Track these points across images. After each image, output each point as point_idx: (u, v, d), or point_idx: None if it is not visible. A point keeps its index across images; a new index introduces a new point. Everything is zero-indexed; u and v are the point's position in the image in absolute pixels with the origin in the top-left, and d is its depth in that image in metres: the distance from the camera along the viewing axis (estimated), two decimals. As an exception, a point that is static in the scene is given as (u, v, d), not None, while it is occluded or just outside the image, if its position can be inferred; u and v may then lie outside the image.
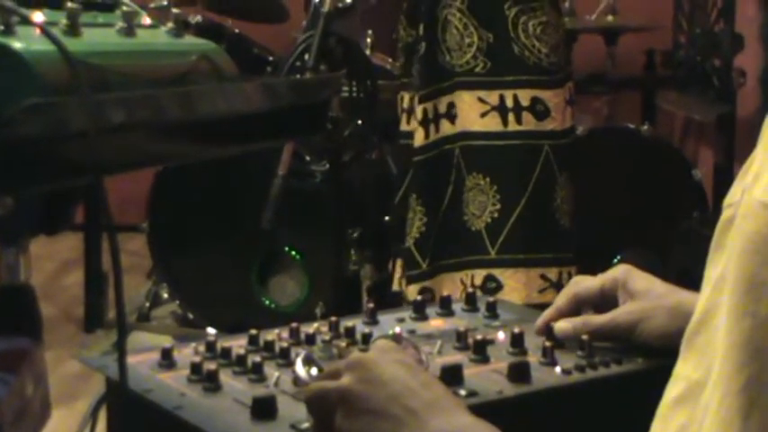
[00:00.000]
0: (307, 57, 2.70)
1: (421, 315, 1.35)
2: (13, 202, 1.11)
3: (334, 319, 1.28)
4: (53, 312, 3.81)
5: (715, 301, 0.63)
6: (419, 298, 1.44)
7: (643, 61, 4.30)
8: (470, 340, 1.21)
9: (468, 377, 1.11)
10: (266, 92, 1.31)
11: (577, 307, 1.26)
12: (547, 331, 1.24)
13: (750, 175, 0.62)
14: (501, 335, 1.26)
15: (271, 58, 3.70)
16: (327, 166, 3.05)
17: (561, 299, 1.27)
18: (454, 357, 1.18)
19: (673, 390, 0.65)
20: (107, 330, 3.65)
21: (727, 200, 0.65)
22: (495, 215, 2.37)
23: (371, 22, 3.60)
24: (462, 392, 1.07)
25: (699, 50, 3.85)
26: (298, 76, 2.77)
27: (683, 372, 0.65)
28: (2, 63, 0.89)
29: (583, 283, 1.27)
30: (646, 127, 3.55)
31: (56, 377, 2.98)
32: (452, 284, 2.44)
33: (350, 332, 1.25)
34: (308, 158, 3.26)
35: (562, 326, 1.23)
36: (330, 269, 2.84)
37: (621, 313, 1.21)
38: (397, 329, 1.26)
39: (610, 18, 4.07)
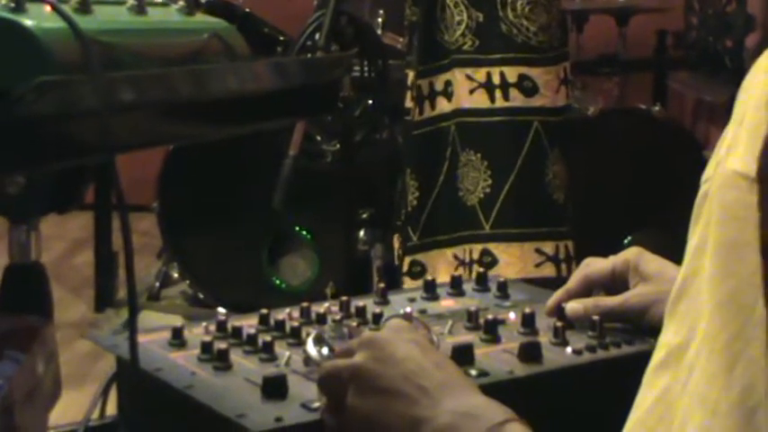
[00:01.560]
0: (318, 36, 2.70)
1: (432, 295, 1.35)
2: (25, 180, 1.11)
3: (344, 298, 1.28)
4: (63, 292, 3.82)
5: (694, 268, 0.64)
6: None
7: (654, 42, 4.29)
8: (481, 320, 1.21)
9: (479, 357, 1.11)
10: (277, 71, 1.31)
11: (588, 288, 1.26)
12: (558, 312, 1.24)
13: (723, 149, 0.63)
14: (512, 315, 1.26)
15: (281, 38, 3.70)
16: (338, 146, 3.04)
17: (572, 280, 1.27)
18: (465, 337, 1.18)
19: (655, 357, 0.66)
20: (117, 310, 3.66)
21: (704, 177, 0.66)
22: (488, 190, 2.40)
23: (383, 1, 3.59)
24: (473, 372, 1.07)
25: (710, 31, 3.83)
26: (309, 55, 2.76)
27: (665, 339, 0.66)
28: (13, 40, 0.88)
29: (594, 265, 1.27)
30: (657, 108, 3.53)
31: (66, 356, 2.99)
32: (444, 260, 2.47)
33: (360, 312, 1.25)
34: (318, 138, 3.25)
35: (574, 306, 1.23)
36: (340, 249, 2.84)
37: (633, 296, 1.21)
38: (408, 309, 1.26)
39: (621, -2, 4.05)
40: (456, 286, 1.38)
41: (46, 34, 0.89)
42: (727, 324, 0.61)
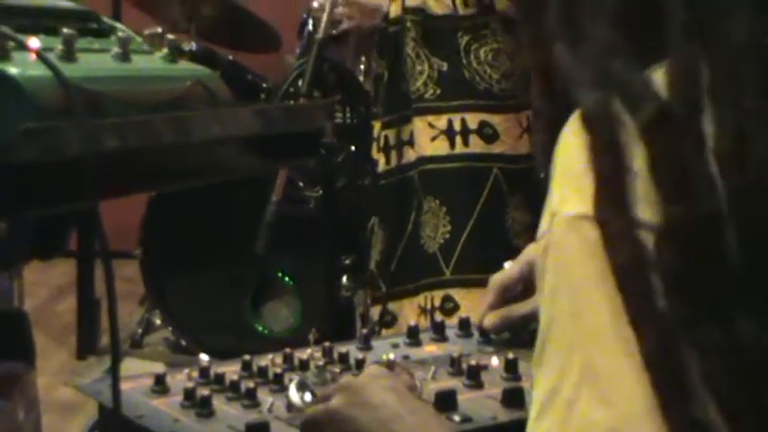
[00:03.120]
0: (300, 83, 2.72)
1: (415, 340, 1.35)
2: (7, 227, 1.11)
3: (327, 344, 1.28)
4: (45, 339, 3.80)
5: (551, 314, 0.66)
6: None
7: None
8: (464, 366, 1.21)
9: (463, 402, 1.11)
10: (260, 117, 1.32)
11: (505, 297, 1.27)
12: (480, 330, 1.25)
13: (554, 204, 0.66)
14: (495, 360, 1.26)
15: (265, 85, 3.72)
16: (321, 192, 3.05)
17: (489, 293, 1.28)
18: (448, 383, 1.18)
19: (532, 412, 0.67)
20: (99, 357, 3.64)
21: (540, 233, 0.68)
22: (447, 236, 2.41)
23: (365, 48, 3.62)
24: (456, 418, 1.07)
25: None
26: (291, 102, 2.78)
27: (538, 390, 0.67)
28: (-2, 88, 0.89)
29: (505, 272, 1.28)
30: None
31: (48, 404, 2.97)
32: (411, 310, 2.48)
33: (344, 358, 1.25)
34: (301, 184, 3.26)
35: (490, 319, 1.24)
36: (323, 295, 2.84)
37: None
38: (391, 355, 1.26)
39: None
40: (439, 331, 1.38)
41: (31, 82, 0.90)
42: (601, 353, 0.62)
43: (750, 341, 0.57)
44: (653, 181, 0.60)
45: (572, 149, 0.65)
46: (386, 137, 2.55)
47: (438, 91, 2.44)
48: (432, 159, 2.45)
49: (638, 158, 0.60)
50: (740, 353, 0.58)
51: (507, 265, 1.33)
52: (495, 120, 2.42)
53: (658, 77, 0.63)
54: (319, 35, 2.73)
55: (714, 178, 0.58)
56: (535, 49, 0.75)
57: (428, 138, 2.44)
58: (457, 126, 2.42)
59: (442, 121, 2.43)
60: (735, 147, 0.58)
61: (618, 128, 0.61)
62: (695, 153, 0.59)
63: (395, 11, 2.51)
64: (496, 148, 2.43)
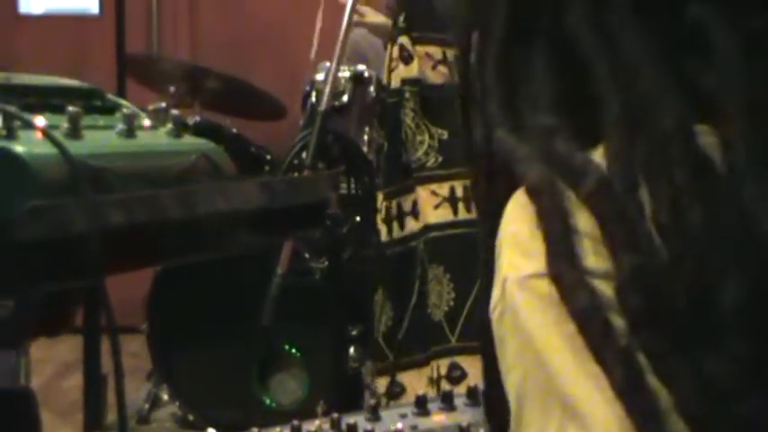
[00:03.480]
0: (304, 155, 2.73)
1: (423, 410, 1.34)
2: (14, 304, 1.11)
3: (335, 416, 1.27)
4: (52, 416, 3.78)
5: (524, 372, 0.67)
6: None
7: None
8: (473, 435, 1.20)
9: (472, 473, 1.10)
10: (265, 190, 1.32)
11: None
12: None
13: (503, 271, 0.70)
14: (504, 429, 1.25)
15: (269, 157, 3.74)
16: (326, 263, 3.05)
17: None
18: (457, 453, 1.17)
19: None
20: (106, 434, 3.62)
21: (492, 306, 0.72)
22: (452, 303, 2.41)
23: (367, 119, 3.64)
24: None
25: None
26: (296, 174, 2.79)
27: None
28: (4, 167, 0.90)
29: None
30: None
31: (54, 482, 2.95)
32: (419, 381, 2.47)
33: (352, 429, 1.24)
34: (307, 256, 3.26)
35: None
36: (331, 367, 2.82)
37: None
38: (399, 425, 1.25)
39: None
40: (447, 401, 1.37)
41: (36, 160, 0.91)
42: (575, 390, 0.64)
43: (714, 372, 0.61)
44: (604, 235, 0.64)
45: (517, 220, 0.69)
46: (387, 207, 2.56)
47: (440, 159, 2.46)
48: (436, 227, 2.46)
49: (581, 222, 0.65)
50: (709, 380, 0.62)
51: None
52: None
53: (597, 156, 0.67)
54: (322, 107, 2.75)
55: (656, 239, 0.63)
56: (477, 134, 0.79)
57: (432, 206, 2.46)
58: (459, 193, 2.44)
59: (444, 189, 2.45)
60: (670, 219, 0.63)
61: (562, 197, 0.66)
62: (637, 217, 0.64)
63: (394, 83, 2.54)
64: None
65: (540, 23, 0.73)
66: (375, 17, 3.71)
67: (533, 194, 0.67)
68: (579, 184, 0.65)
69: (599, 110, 0.68)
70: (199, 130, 3.49)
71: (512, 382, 0.68)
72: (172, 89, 3.76)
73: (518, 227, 0.69)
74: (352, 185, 3.02)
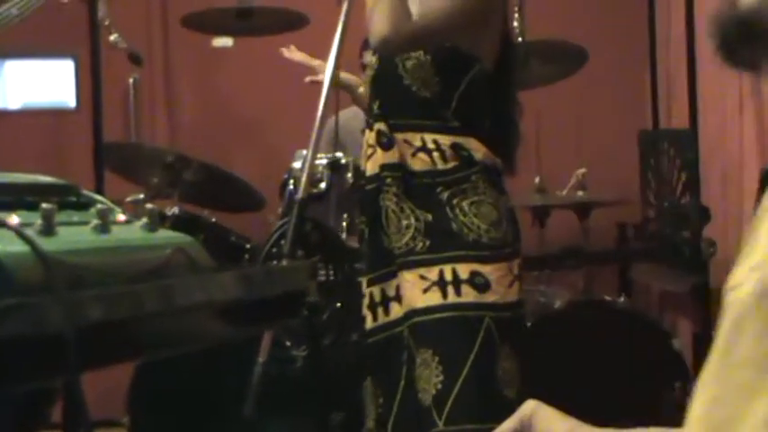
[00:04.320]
0: (283, 243, 2.73)
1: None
2: (-11, 403, 1.10)
3: None
4: None
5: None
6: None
7: (615, 234, 4.37)
8: None
9: None
10: (243, 281, 1.32)
11: None
12: None
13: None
14: None
15: (248, 246, 3.74)
16: (307, 350, 3.04)
17: None
18: None
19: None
20: None
21: (735, 283, 0.74)
22: (440, 386, 2.39)
23: (347, 205, 3.65)
24: None
25: (668, 223, 3.92)
26: (274, 262, 2.79)
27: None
28: (-22, 266, 0.90)
29: (502, 427, 1.27)
30: (622, 299, 3.57)
31: None
32: None
33: None
34: (288, 344, 3.25)
35: None
36: (313, 456, 2.79)
37: None
38: None
39: (580, 193, 4.14)
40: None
41: (9, 258, 0.91)
42: None
43: None
44: None
45: None
46: (371, 294, 2.55)
47: (428, 242, 2.45)
48: (425, 311, 2.44)
49: None
50: None
51: None
52: (486, 269, 2.43)
53: None
54: (300, 195, 2.76)
55: None
56: None
57: (420, 290, 2.44)
58: (448, 276, 2.43)
59: (433, 273, 2.44)
60: None
61: None
62: None
63: (371, 168, 2.55)
64: (489, 298, 2.43)
65: None
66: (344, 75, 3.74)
67: None
68: None
69: None
70: (177, 222, 3.50)
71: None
72: (151, 180, 3.77)
73: None
74: (331, 272, 3.02)
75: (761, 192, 3.10)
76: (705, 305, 3.77)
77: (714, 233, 3.70)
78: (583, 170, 4.14)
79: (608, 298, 3.68)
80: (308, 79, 3.96)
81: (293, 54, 4.04)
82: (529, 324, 3.26)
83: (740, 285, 0.73)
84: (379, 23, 2.44)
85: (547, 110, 4.17)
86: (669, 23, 4.56)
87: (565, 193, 4.19)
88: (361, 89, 3.02)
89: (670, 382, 3.36)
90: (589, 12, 4.93)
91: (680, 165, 3.79)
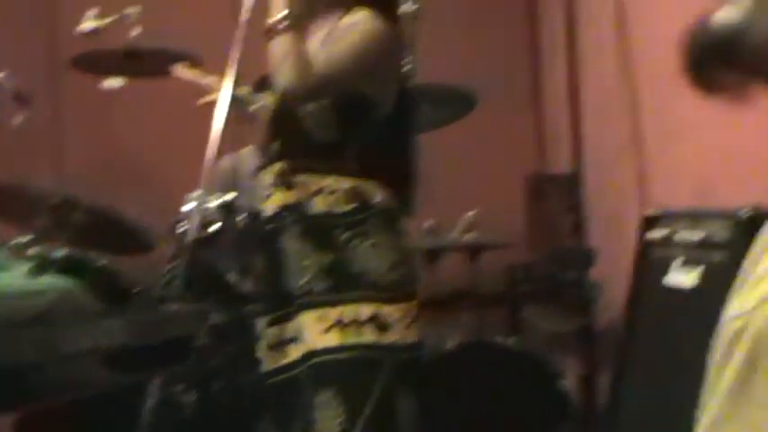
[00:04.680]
0: (173, 286, 2.71)
1: None
2: None
3: None
4: None
5: (737, 396, 0.69)
6: None
7: (505, 277, 4.43)
8: None
9: None
10: (131, 326, 1.31)
11: None
12: None
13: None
14: None
15: (138, 289, 3.68)
16: (198, 395, 3.00)
17: None
18: None
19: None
20: None
21: (736, 312, 0.70)
22: (341, 427, 2.40)
23: (239, 247, 3.64)
24: None
25: (554, 265, 4.00)
26: (164, 306, 2.76)
27: None
28: None
29: None
30: (513, 340, 3.62)
31: None
32: None
33: None
34: (179, 388, 3.20)
35: None
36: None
37: None
38: None
39: (470, 236, 4.20)
40: None
41: None
42: None
43: None
44: None
45: None
46: (270, 335, 2.55)
47: (328, 283, 2.46)
48: (325, 351, 2.44)
49: None
50: None
51: None
52: (385, 310, 2.45)
53: None
54: (190, 238, 2.74)
55: None
56: None
57: (320, 330, 2.45)
58: (349, 317, 2.44)
59: (333, 313, 2.45)
60: None
61: None
62: None
63: (270, 209, 2.55)
64: (388, 338, 2.45)
65: None
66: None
67: None
68: None
69: None
70: (64, 265, 3.43)
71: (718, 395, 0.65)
72: (37, 222, 3.69)
73: None
74: (222, 316, 3.00)
75: (642, 235, 3.19)
76: (591, 346, 3.85)
77: (599, 275, 3.78)
78: (473, 213, 4.20)
79: (498, 339, 3.72)
80: (200, 101, 3.90)
81: (184, 73, 3.99)
82: (421, 365, 3.28)
83: (749, 314, 0.70)
84: (287, 75, 2.45)
85: (437, 153, 4.23)
86: (553, 70, 4.67)
87: (455, 235, 4.24)
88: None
89: (557, 423, 3.41)
90: (478, 57, 5.02)
91: (565, 208, 3.88)
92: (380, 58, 2.52)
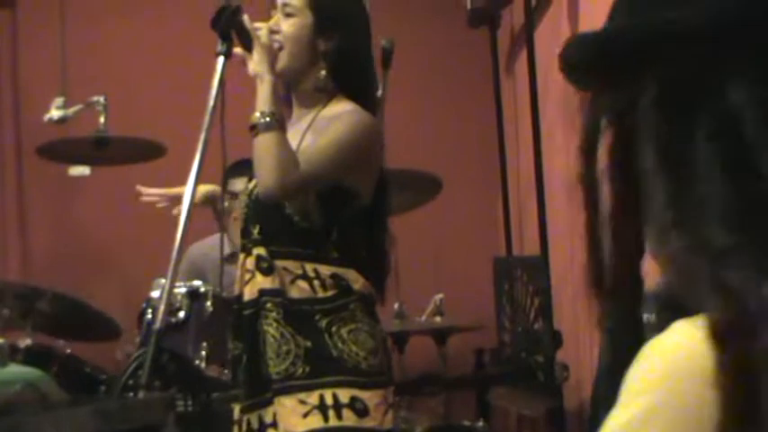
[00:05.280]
0: (140, 374, 2.69)
1: None
2: None
3: None
4: None
5: None
6: None
7: (473, 360, 4.43)
8: None
9: None
10: (97, 415, 1.31)
11: None
12: None
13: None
14: None
15: (104, 377, 3.65)
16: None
17: None
18: None
19: None
20: None
21: None
22: None
23: (206, 334, 3.62)
24: None
25: (522, 348, 4.01)
26: (131, 394, 2.73)
27: None
28: None
29: None
30: (481, 424, 3.61)
31: None
32: None
33: None
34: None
35: None
36: None
37: None
38: None
39: (438, 319, 4.20)
40: None
41: None
42: None
43: None
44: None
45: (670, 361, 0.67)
46: (249, 421, 2.53)
47: (307, 369, 2.46)
48: None
49: None
50: None
51: None
52: (365, 395, 2.46)
53: None
54: (157, 325, 2.73)
55: None
56: (621, 258, 0.74)
57: (300, 415, 2.44)
58: (329, 400, 2.44)
59: (313, 397, 2.45)
60: None
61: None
62: None
63: (248, 294, 2.55)
64: (367, 423, 2.45)
65: (699, 97, 0.66)
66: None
67: (717, 344, 0.63)
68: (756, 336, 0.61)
69: None
70: (30, 354, 3.40)
71: None
72: (3, 312, 3.67)
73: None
74: (189, 403, 2.97)
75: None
76: (560, 428, 3.84)
77: (567, 357, 3.79)
78: (440, 296, 4.21)
79: (467, 423, 3.71)
80: (175, 211, 3.82)
81: (149, 192, 3.88)
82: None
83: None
84: (265, 175, 2.47)
85: (404, 237, 4.25)
86: (518, 155, 4.74)
87: (423, 318, 4.25)
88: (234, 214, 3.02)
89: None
90: (443, 142, 5.08)
91: (533, 291, 3.90)
92: (364, 150, 2.56)
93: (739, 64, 0.65)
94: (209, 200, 3.56)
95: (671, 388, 0.67)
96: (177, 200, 3.94)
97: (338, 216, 2.54)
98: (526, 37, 4.07)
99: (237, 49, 2.55)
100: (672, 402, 0.67)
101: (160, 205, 3.33)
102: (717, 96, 0.65)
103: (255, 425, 2.52)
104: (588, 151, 0.76)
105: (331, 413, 2.43)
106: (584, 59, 0.75)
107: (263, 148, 2.47)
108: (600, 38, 0.74)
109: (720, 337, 0.64)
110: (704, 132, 0.65)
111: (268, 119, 2.47)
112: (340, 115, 2.55)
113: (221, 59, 2.53)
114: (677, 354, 0.67)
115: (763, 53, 0.65)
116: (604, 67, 0.74)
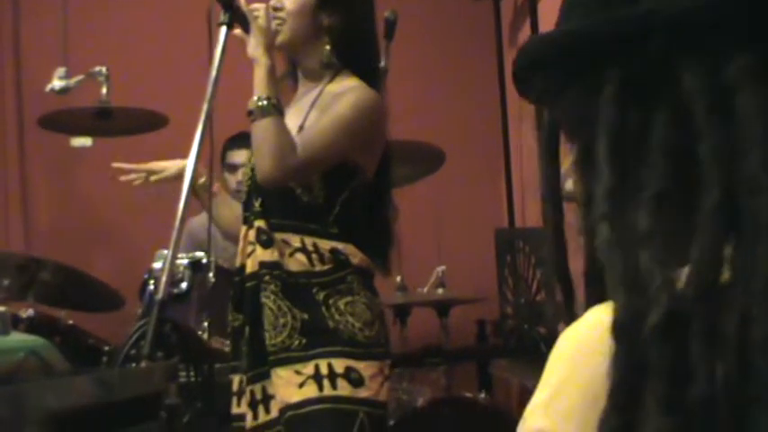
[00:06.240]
0: (142, 344, 2.69)
1: None
2: None
3: None
4: None
5: None
6: None
7: (475, 331, 4.44)
8: None
9: None
10: (99, 385, 1.31)
11: None
12: None
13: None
14: None
15: (106, 348, 3.66)
16: (167, 455, 2.97)
17: None
18: None
19: None
20: None
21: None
22: None
23: (208, 306, 3.63)
24: None
25: (524, 319, 4.01)
26: (133, 364, 2.74)
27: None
28: None
29: None
30: (483, 396, 3.62)
31: None
32: None
33: None
34: (146, 448, 3.17)
35: None
36: None
37: None
38: None
39: (440, 291, 4.21)
40: None
41: None
42: None
43: None
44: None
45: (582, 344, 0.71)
46: (252, 392, 2.54)
47: (304, 341, 2.47)
48: (301, 404, 2.44)
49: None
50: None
51: None
52: (360, 366, 2.47)
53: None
54: (159, 296, 2.73)
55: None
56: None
57: (295, 385, 2.45)
58: (324, 370, 2.45)
59: (309, 368, 2.46)
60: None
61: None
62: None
63: (250, 266, 2.55)
64: (362, 393, 2.46)
65: (657, 88, 0.67)
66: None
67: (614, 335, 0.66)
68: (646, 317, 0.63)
69: (699, 198, 0.63)
70: (33, 324, 3.41)
71: None
72: (4, 282, 3.68)
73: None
74: (191, 373, 2.98)
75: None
76: (562, 400, 3.85)
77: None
78: (442, 268, 4.22)
79: (469, 394, 3.72)
80: (153, 178, 3.63)
81: (123, 168, 3.64)
82: (392, 422, 3.27)
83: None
84: (263, 162, 2.45)
85: (406, 209, 4.25)
86: (521, 127, 4.72)
87: (425, 290, 4.25)
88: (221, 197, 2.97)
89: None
90: (446, 114, 5.07)
91: (535, 262, 3.90)
92: (367, 129, 2.55)
93: (697, 55, 0.66)
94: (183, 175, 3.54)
95: (578, 363, 0.74)
96: (152, 173, 3.89)
97: (341, 191, 2.53)
98: (530, 8, 4.05)
99: (237, 31, 2.53)
100: (577, 377, 0.73)
101: (137, 183, 3.28)
102: (673, 86, 0.67)
103: (259, 395, 2.54)
104: (549, 155, 0.79)
105: (326, 382, 2.44)
106: (548, 58, 0.76)
107: (260, 135, 2.45)
108: (560, 37, 0.75)
109: (615, 325, 0.67)
110: (660, 120, 0.67)
111: (264, 103, 2.45)
112: (344, 92, 2.54)
113: (224, 29, 2.52)
114: (585, 335, 0.73)
115: (719, 42, 0.66)
116: (568, 66, 0.74)
